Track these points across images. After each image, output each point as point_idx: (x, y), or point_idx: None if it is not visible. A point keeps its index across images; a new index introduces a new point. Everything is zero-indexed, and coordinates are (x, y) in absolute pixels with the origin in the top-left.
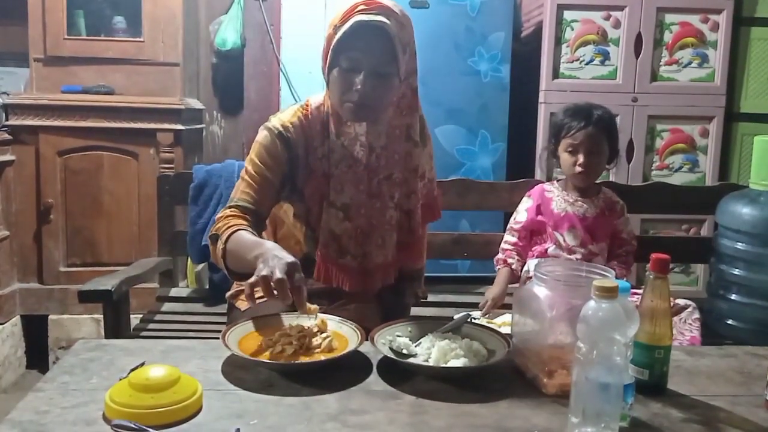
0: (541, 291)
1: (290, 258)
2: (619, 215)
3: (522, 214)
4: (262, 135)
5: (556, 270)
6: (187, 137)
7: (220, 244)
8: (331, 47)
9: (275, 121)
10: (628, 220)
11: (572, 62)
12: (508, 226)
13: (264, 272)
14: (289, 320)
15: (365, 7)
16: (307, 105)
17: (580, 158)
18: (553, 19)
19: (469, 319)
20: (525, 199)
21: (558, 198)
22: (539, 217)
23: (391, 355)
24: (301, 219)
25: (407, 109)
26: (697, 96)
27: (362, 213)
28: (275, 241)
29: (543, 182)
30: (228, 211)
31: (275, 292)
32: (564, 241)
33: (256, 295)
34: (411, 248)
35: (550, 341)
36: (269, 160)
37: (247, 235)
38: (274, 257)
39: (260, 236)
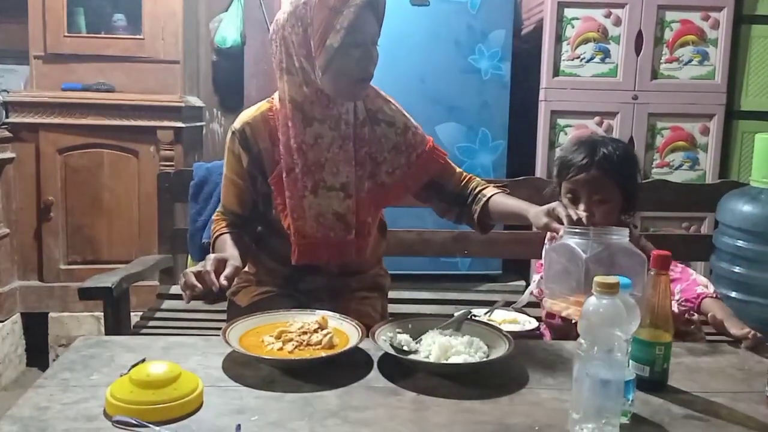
0: (572, 240)
1: (224, 257)
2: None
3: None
4: (228, 137)
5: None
6: (187, 135)
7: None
8: (339, 26)
9: (236, 121)
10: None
11: (573, 60)
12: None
13: (197, 268)
14: (290, 317)
15: None
16: (272, 98)
17: (581, 207)
18: (553, 17)
19: (469, 316)
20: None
21: None
22: None
23: (392, 352)
24: (282, 212)
25: None
26: (698, 94)
27: (359, 188)
28: None
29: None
30: (217, 215)
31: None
32: None
33: (255, 293)
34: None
35: (586, 280)
36: (234, 163)
37: (221, 241)
38: (211, 257)
39: (253, 232)
